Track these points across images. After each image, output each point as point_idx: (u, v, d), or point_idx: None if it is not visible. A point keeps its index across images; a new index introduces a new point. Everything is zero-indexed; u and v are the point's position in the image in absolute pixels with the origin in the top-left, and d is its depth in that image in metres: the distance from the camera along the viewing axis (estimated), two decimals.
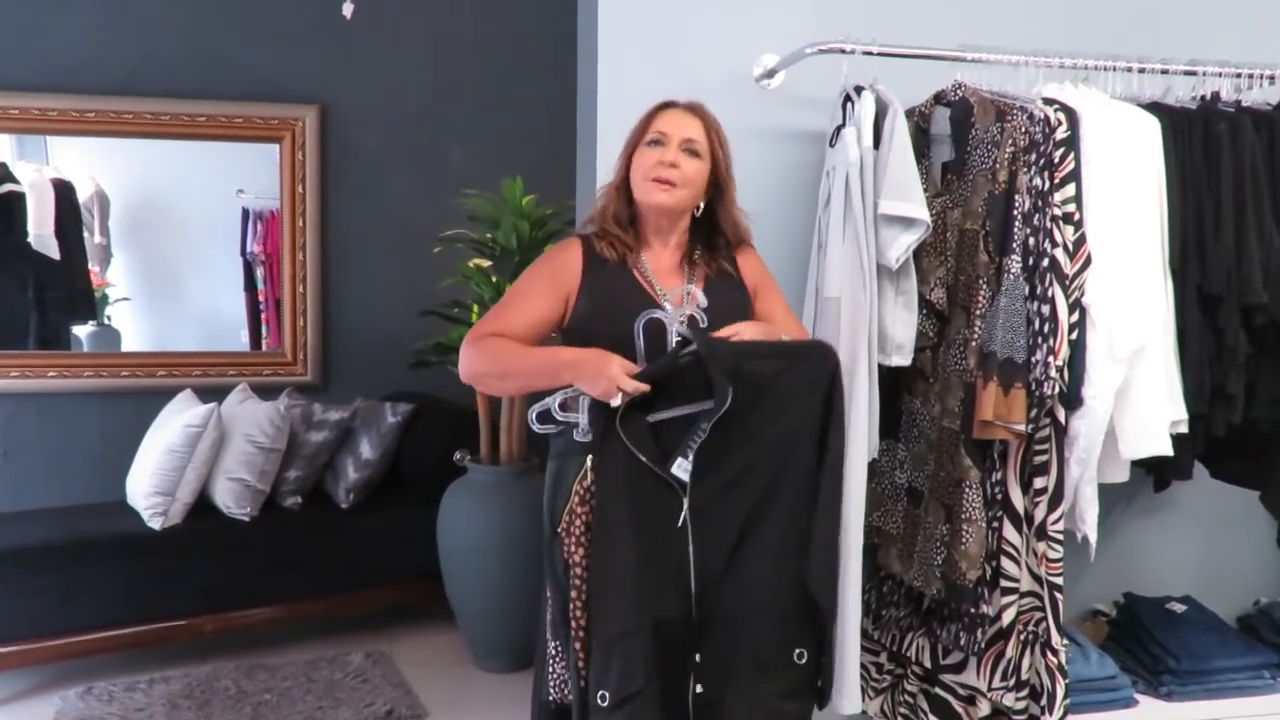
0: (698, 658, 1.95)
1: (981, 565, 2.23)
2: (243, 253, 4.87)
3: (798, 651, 1.99)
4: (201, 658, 3.90)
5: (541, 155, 4.47)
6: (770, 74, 2.62)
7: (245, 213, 4.85)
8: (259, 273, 4.90)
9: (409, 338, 4.32)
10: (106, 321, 4.79)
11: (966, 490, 2.23)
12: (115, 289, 4.78)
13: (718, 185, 2.12)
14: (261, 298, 4.91)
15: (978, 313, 2.22)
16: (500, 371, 2.03)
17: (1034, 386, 2.15)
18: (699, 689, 1.95)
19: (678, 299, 2.06)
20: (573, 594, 1.98)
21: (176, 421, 3.96)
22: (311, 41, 4.75)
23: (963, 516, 2.23)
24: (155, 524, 3.85)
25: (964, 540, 2.23)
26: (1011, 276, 2.17)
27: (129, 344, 4.77)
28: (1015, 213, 2.17)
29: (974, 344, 2.21)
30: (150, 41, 4.58)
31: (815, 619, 1.99)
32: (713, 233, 2.15)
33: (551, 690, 2.05)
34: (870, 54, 2.34)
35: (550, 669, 2.06)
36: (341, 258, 4.91)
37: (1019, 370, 2.14)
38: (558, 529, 2.02)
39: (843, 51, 2.34)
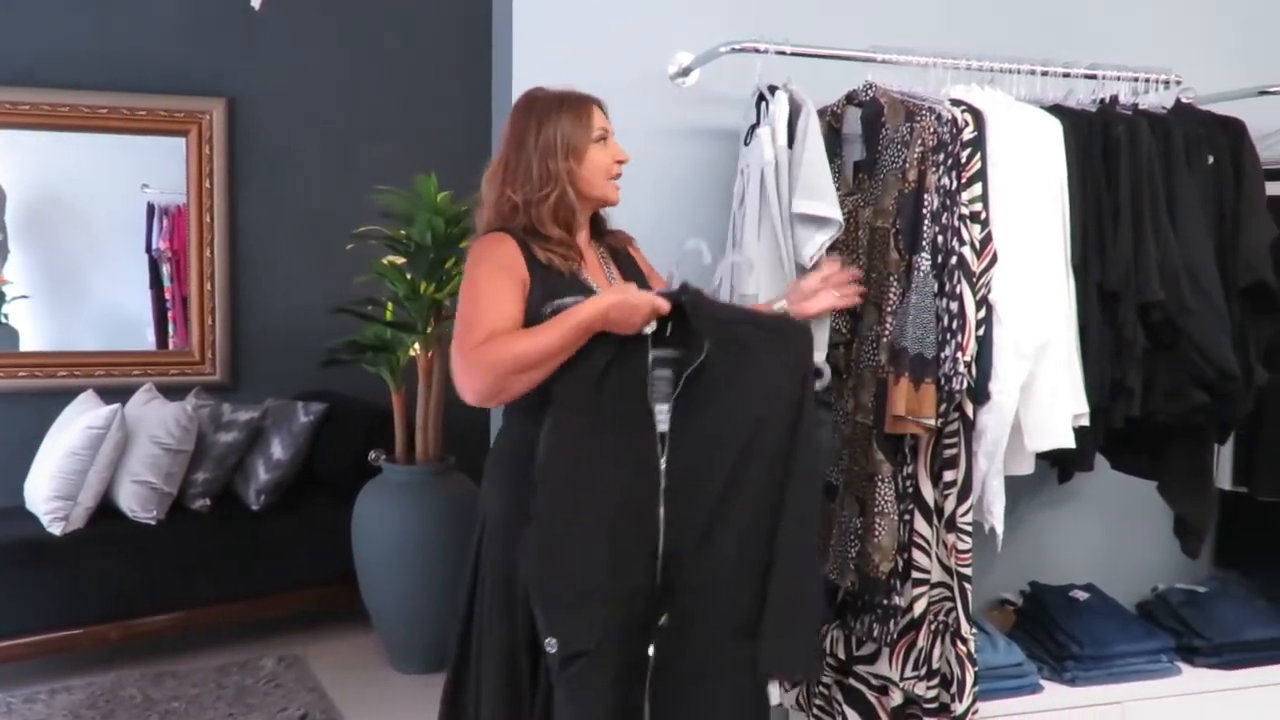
0: (662, 621, 1.93)
1: (894, 557, 2.27)
2: (148, 249, 4.75)
3: None
4: (106, 666, 3.79)
5: (456, 152, 4.41)
6: (685, 72, 2.63)
7: (150, 208, 4.73)
8: (165, 270, 4.78)
9: (321, 336, 4.24)
10: (3, 320, 4.63)
11: (879, 484, 2.27)
12: (12, 286, 4.62)
13: None
14: (168, 295, 4.80)
15: (889, 309, 2.25)
16: (522, 365, 1.87)
17: (943, 382, 2.19)
18: (653, 653, 1.93)
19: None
20: None
21: (78, 423, 3.85)
22: (219, 33, 4.64)
23: (875, 510, 2.27)
24: (56, 529, 3.73)
25: (877, 533, 2.26)
26: (921, 274, 2.21)
27: (27, 343, 4.62)
28: (925, 211, 2.21)
29: (885, 340, 2.25)
30: (50, 30, 4.43)
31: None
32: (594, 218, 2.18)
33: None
34: (784, 54, 2.37)
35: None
36: (251, 254, 4.81)
37: (929, 366, 2.18)
38: None
39: (756, 51, 2.37)
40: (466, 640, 2.12)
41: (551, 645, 1.87)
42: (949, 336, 2.20)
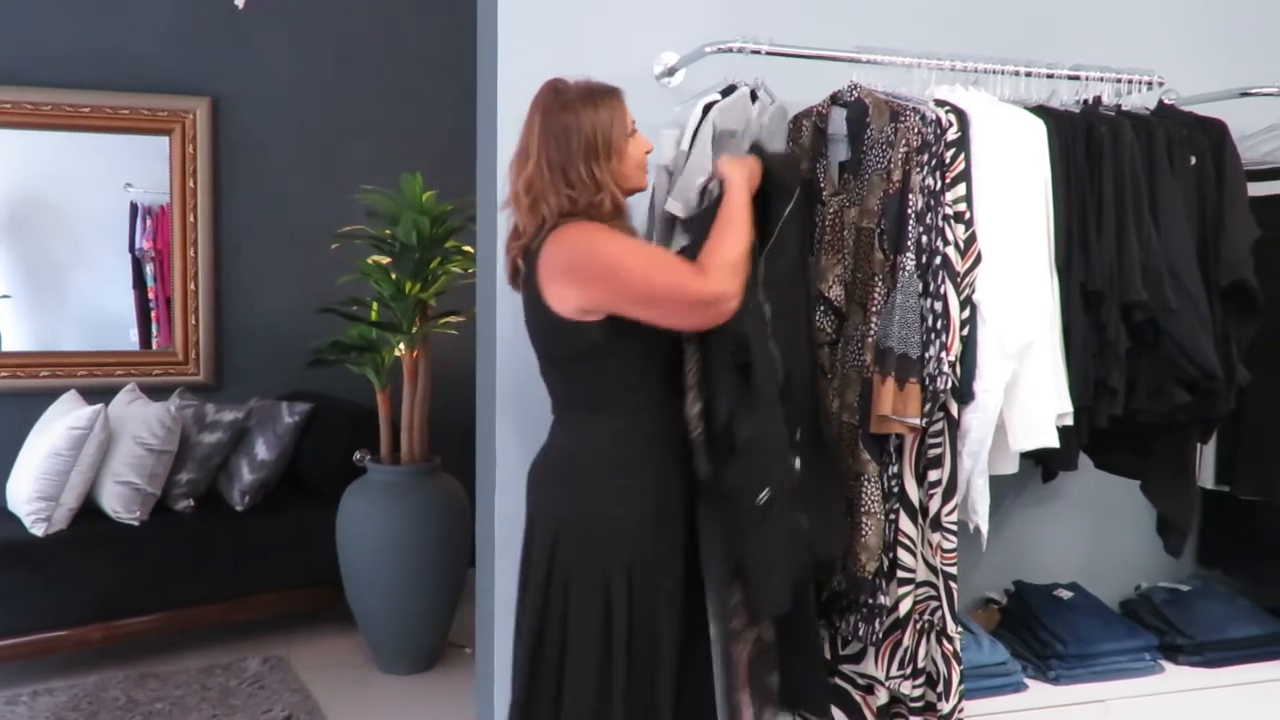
0: (797, 436, 2.16)
1: (879, 557, 2.27)
2: (131, 249, 4.73)
3: None
4: (89, 667, 3.78)
5: (441, 151, 4.43)
6: (670, 72, 2.64)
7: (134, 207, 4.71)
8: (149, 269, 4.76)
9: (306, 336, 4.23)
10: None
11: (865, 484, 2.27)
12: None
13: None
14: (151, 295, 4.78)
15: (874, 310, 2.26)
16: (738, 262, 2.03)
17: (928, 381, 2.20)
18: (799, 466, 2.15)
19: None
20: None
21: (60, 424, 3.83)
22: (203, 32, 4.62)
23: (862, 510, 2.27)
24: (38, 530, 3.71)
25: (863, 533, 2.27)
26: (906, 274, 2.22)
27: (10, 343, 4.60)
28: (909, 211, 2.21)
29: (870, 340, 2.25)
30: (33, 29, 4.41)
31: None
32: None
33: None
34: (768, 54, 2.37)
35: None
36: (235, 254, 4.79)
37: (914, 365, 2.19)
38: None
39: (740, 51, 2.37)
40: (539, 656, 2.09)
41: (764, 496, 2.04)
42: (933, 336, 2.20)
